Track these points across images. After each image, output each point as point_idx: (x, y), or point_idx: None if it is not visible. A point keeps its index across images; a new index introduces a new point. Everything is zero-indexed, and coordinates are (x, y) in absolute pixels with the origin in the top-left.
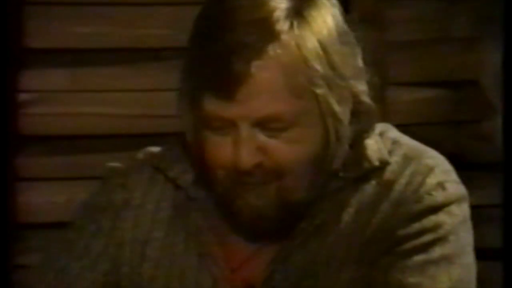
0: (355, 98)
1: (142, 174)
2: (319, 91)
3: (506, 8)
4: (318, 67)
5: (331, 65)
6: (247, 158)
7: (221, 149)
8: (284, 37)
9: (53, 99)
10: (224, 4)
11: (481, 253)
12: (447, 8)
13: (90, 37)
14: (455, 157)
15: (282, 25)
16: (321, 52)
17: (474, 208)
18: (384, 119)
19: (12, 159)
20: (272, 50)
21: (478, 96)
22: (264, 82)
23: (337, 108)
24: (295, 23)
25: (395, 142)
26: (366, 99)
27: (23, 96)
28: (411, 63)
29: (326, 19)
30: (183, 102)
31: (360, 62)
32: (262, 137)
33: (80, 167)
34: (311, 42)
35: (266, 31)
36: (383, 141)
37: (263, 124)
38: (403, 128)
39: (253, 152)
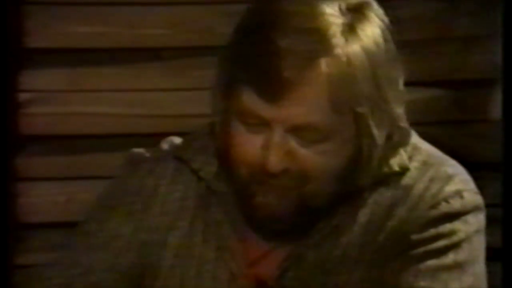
0: (394, 122)
1: (168, 163)
2: (360, 110)
3: (506, 8)
4: (364, 86)
5: (377, 87)
6: (276, 161)
7: (251, 147)
8: (337, 51)
9: (53, 99)
10: (280, 5)
11: None
12: (447, 8)
13: (90, 37)
14: (455, 157)
15: (338, 40)
16: (369, 73)
17: None
18: None
19: (12, 159)
20: (324, 63)
21: (478, 96)
22: (309, 93)
23: (375, 131)
24: (349, 39)
25: (415, 148)
26: (404, 124)
27: (22, 96)
28: (411, 63)
29: (377, 38)
30: (218, 89)
31: (401, 83)
32: (293, 144)
33: (80, 167)
34: (362, 61)
35: (321, 43)
36: (404, 147)
37: (297, 131)
38: None
39: (282, 156)
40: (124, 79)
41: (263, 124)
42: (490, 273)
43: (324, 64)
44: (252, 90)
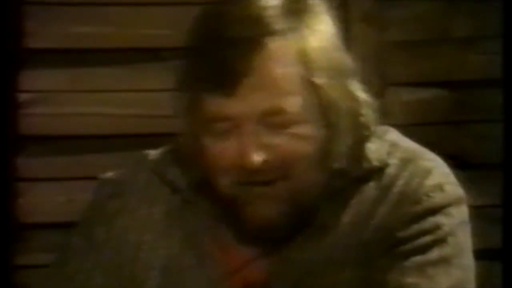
0: (353, 95)
1: (137, 179)
2: (319, 81)
3: (506, 8)
4: (317, 59)
5: (330, 60)
6: (255, 154)
7: (225, 154)
8: (281, 31)
9: (53, 99)
10: (220, 6)
11: (481, 253)
12: (446, 8)
13: (89, 37)
14: (455, 158)
15: (279, 21)
16: (319, 46)
17: (474, 208)
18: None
19: (12, 159)
20: (271, 43)
21: (478, 96)
22: (264, 75)
23: (337, 101)
24: (291, 19)
25: (393, 145)
26: (363, 96)
27: (23, 96)
28: (411, 63)
29: (321, 17)
30: (181, 107)
31: (352, 63)
32: (266, 134)
33: (80, 167)
34: (308, 37)
35: (263, 26)
36: (382, 143)
37: (267, 119)
38: (402, 128)
39: (259, 148)
40: (124, 79)
41: (232, 126)
42: (490, 273)
43: (271, 46)
44: (212, 93)
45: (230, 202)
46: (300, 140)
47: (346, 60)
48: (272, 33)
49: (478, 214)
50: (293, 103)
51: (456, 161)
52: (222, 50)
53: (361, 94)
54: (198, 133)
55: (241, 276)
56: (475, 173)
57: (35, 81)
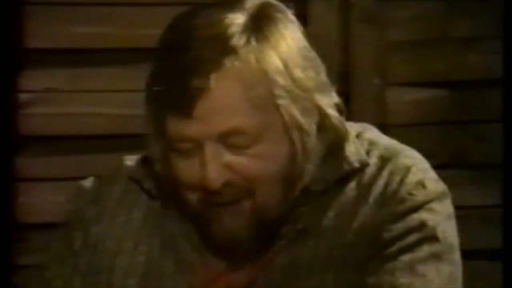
0: (320, 111)
1: (115, 186)
2: (281, 102)
3: (506, 8)
4: (278, 78)
5: (292, 78)
6: (215, 176)
7: (189, 173)
8: (241, 51)
9: (53, 100)
10: (181, 24)
11: (481, 253)
12: (447, 8)
13: (89, 37)
14: (455, 158)
15: (239, 39)
16: (280, 65)
17: (474, 208)
18: (384, 119)
19: (12, 159)
20: (229, 63)
21: (478, 96)
22: (222, 96)
23: (301, 119)
24: (252, 38)
25: (371, 143)
26: (331, 111)
27: (23, 97)
28: (411, 63)
29: (285, 34)
30: (148, 126)
31: (323, 76)
32: (227, 155)
33: (80, 167)
34: (269, 56)
35: (222, 46)
36: (361, 142)
37: (227, 140)
38: (402, 128)
39: (220, 170)
40: (124, 79)
41: (193, 146)
42: (491, 273)
43: (229, 64)
44: (171, 114)
45: (198, 220)
46: (262, 160)
47: (310, 74)
48: (232, 52)
49: (478, 214)
50: (253, 124)
51: (456, 161)
52: (180, 70)
53: (328, 109)
54: (166, 152)
55: (224, 280)
56: (475, 173)
57: (35, 81)
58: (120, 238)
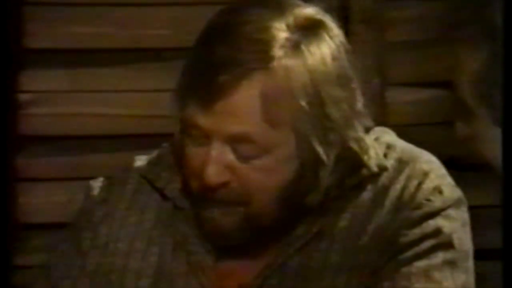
0: (344, 144)
1: (126, 185)
2: (300, 126)
3: (506, 8)
4: (302, 101)
5: (320, 104)
6: (213, 175)
7: (195, 160)
8: (274, 64)
9: (53, 100)
10: (230, 16)
11: (481, 253)
12: (446, 9)
13: (90, 38)
14: (455, 158)
15: (277, 53)
16: (310, 89)
17: (473, 208)
18: (384, 119)
19: (12, 160)
20: (259, 74)
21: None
22: (241, 101)
23: (319, 149)
24: (289, 53)
25: (389, 147)
26: (354, 145)
27: (23, 97)
28: (411, 64)
29: (325, 57)
30: (174, 106)
31: (357, 107)
32: (232, 158)
33: (80, 167)
34: (301, 77)
35: (258, 53)
36: (379, 146)
37: (235, 144)
38: (402, 128)
39: (220, 170)
40: (124, 79)
41: (205, 137)
42: (490, 274)
43: (258, 75)
44: (193, 101)
45: (194, 205)
46: (266, 173)
47: (341, 106)
48: (265, 62)
49: (478, 214)
50: (263, 137)
51: (456, 162)
52: (214, 63)
53: (352, 142)
54: (182, 134)
55: (235, 281)
56: (475, 173)
57: (35, 81)
58: (132, 239)
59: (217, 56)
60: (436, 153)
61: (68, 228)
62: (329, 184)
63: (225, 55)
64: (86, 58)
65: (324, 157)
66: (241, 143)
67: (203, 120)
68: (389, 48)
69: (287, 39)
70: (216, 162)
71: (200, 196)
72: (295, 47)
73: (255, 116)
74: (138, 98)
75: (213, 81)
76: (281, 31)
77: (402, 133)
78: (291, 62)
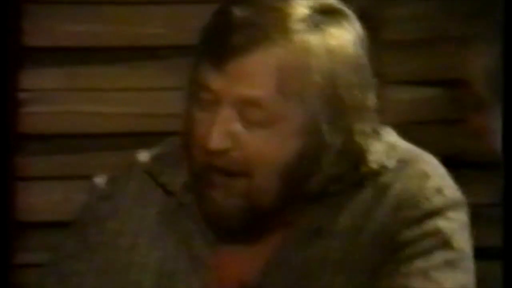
0: (348, 134)
1: (129, 182)
2: (310, 102)
3: (506, 8)
4: (318, 78)
5: (334, 86)
6: (216, 138)
7: (200, 125)
8: (294, 35)
9: (52, 98)
10: None
11: (481, 253)
12: (444, 7)
13: (88, 36)
14: (454, 156)
15: (296, 26)
16: (327, 69)
17: (473, 207)
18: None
19: (11, 158)
20: (277, 41)
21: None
22: (256, 64)
23: (325, 127)
24: (309, 29)
25: (391, 146)
26: (361, 139)
27: (22, 95)
28: (409, 62)
29: (345, 42)
30: (190, 73)
31: (369, 99)
32: (238, 126)
33: (79, 166)
34: (319, 55)
35: (280, 22)
36: (381, 145)
37: (244, 108)
38: (401, 127)
39: (224, 135)
40: (122, 78)
41: (214, 102)
42: (490, 272)
43: (276, 43)
44: (207, 62)
45: (195, 185)
46: (270, 146)
47: (353, 92)
48: (285, 32)
49: (477, 213)
50: (273, 104)
51: (455, 160)
52: (232, 25)
53: (356, 135)
54: (191, 101)
55: (236, 277)
56: (474, 172)
57: (34, 80)
58: (136, 234)
59: (235, 18)
60: (433, 151)
61: (73, 225)
62: (330, 176)
63: (244, 17)
64: (84, 57)
65: (329, 138)
66: (249, 108)
67: (215, 81)
68: (386, 47)
69: (308, 15)
70: (222, 126)
71: (201, 166)
72: (316, 25)
73: (269, 82)
74: (135, 96)
75: (228, 41)
76: (302, 7)
77: (399, 132)
78: (311, 38)
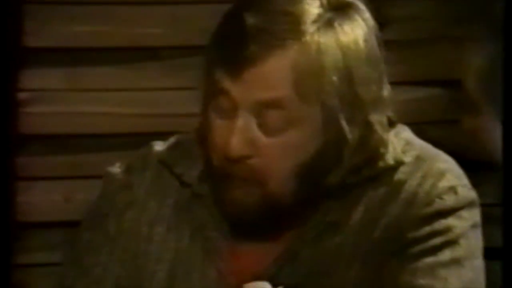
0: (368, 126)
1: (145, 171)
2: (328, 102)
3: (506, 8)
4: (334, 77)
5: (350, 82)
6: (236, 145)
7: (219, 132)
8: (307, 37)
9: (52, 98)
10: None
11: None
12: (443, 7)
13: (89, 36)
14: (453, 156)
15: (310, 27)
16: (341, 66)
17: None
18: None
19: (12, 158)
20: (291, 46)
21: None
22: (272, 70)
23: (345, 126)
24: (322, 29)
25: (408, 143)
26: (379, 128)
27: (22, 95)
28: (408, 62)
29: (358, 37)
30: (202, 77)
31: (384, 91)
32: (257, 132)
33: (80, 166)
34: (333, 53)
35: (292, 26)
36: (398, 141)
37: (263, 112)
38: None
39: (244, 142)
40: (123, 78)
41: (232, 109)
42: (490, 272)
43: (291, 47)
44: (223, 69)
45: (214, 187)
46: (289, 150)
47: (370, 87)
48: (298, 35)
49: None
50: (293, 106)
51: (455, 160)
52: (245, 32)
53: (377, 125)
54: (208, 108)
55: (249, 269)
56: (474, 172)
57: (34, 80)
58: (152, 224)
59: (248, 25)
60: None
61: (90, 217)
62: (348, 168)
63: (256, 24)
64: (84, 57)
65: (349, 135)
66: (270, 109)
67: (232, 89)
68: (386, 47)
69: (319, 15)
70: (241, 133)
71: (220, 171)
72: (327, 24)
73: (286, 85)
74: (136, 96)
75: (243, 49)
76: (313, 7)
77: None
78: (323, 38)
